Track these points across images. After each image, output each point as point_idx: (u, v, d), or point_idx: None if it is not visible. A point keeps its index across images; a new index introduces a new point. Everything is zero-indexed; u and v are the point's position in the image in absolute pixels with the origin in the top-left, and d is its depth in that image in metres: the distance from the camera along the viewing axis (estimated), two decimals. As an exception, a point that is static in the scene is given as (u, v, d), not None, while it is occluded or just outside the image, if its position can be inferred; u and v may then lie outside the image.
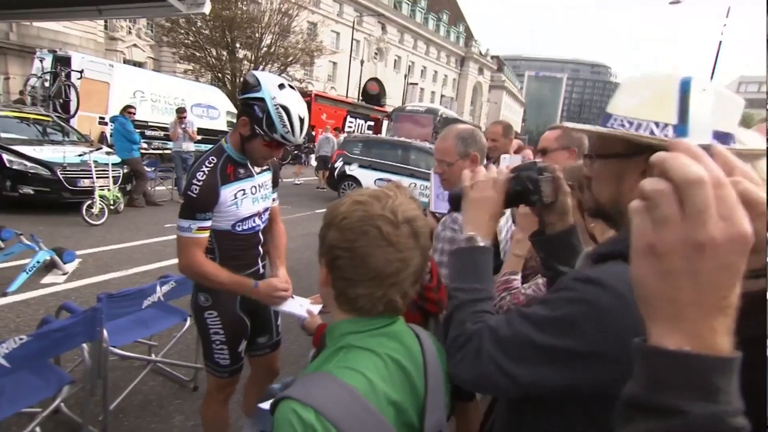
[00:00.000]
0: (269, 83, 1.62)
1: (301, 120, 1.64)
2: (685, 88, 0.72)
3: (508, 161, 2.42)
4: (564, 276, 0.81)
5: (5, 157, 6.48)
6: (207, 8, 2.96)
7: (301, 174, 14.30)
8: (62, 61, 10.61)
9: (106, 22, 23.40)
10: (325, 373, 0.76)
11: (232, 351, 1.83)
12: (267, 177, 1.90)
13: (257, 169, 1.83)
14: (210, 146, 1.90)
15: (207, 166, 1.66)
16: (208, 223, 1.66)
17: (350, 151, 10.56)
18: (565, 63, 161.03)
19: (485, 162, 2.59)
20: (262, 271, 1.96)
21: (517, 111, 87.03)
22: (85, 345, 2.00)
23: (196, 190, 1.61)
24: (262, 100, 1.59)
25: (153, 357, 2.77)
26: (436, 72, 55.34)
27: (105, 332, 2.09)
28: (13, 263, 4.29)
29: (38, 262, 4.17)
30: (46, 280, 4.26)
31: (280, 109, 1.58)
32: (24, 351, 1.74)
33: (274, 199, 2.02)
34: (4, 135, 7.07)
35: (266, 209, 1.91)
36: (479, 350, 0.77)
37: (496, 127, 3.42)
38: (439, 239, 1.72)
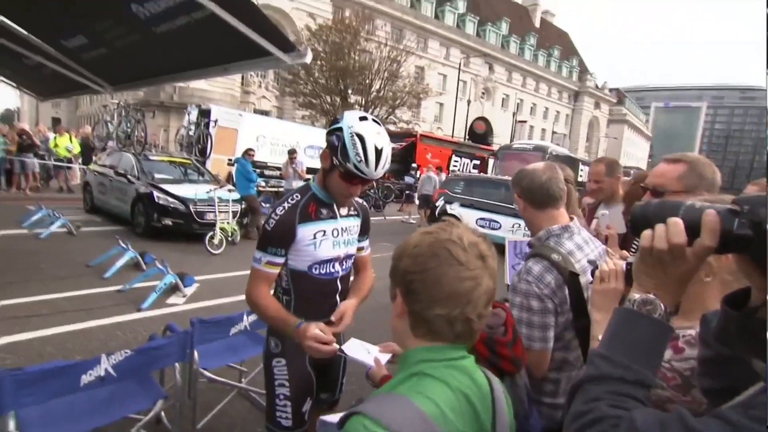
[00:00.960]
0: (351, 115, 1.59)
1: (378, 151, 1.53)
2: None
3: (608, 219, 2.02)
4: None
5: (155, 193, 7.68)
6: (308, 58, 3.21)
7: (408, 212, 14.57)
8: (204, 114, 12.51)
9: (242, 78, 27.16)
10: (399, 395, 0.78)
11: (296, 410, 1.70)
12: (354, 222, 1.80)
13: (343, 212, 1.75)
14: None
15: (289, 203, 1.64)
16: (280, 260, 1.62)
17: (452, 189, 10.47)
18: (704, 90, 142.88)
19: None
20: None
21: (643, 146, 79.48)
22: (177, 365, 2.15)
23: (272, 224, 1.59)
24: (340, 129, 1.54)
25: (241, 383, 2.88)
26: (546, 108, 53.57)
27: (196, 355, 2.23)
28: (148, 283, 4.93)
29: (165, 284, 4.75)
30: (170, 300, 4.80)
31: (355, 138, 1.51)
32: (128, 363, 1.92)
33: (363, 248, 1.91)
34: (157, 175, 8.47)
35: (349, 256, 1.80)
36: None
37: (598, 166, 2.81)
38: (516, 292, 1.52)
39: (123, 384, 2.10)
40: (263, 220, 1.54)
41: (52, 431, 1.85)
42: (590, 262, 1.37)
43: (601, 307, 1.18)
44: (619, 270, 1.18)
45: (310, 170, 11.52)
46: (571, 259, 1.49)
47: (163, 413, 2.44)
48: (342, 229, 1.73)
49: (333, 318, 1.60)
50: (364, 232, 1.88)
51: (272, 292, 1.73)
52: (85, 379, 1.76)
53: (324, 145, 1.64)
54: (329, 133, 1.59)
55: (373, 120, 1.60)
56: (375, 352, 1.49)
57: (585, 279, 1.48)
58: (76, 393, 1.80)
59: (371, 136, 1.52)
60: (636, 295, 0.74)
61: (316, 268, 1.68)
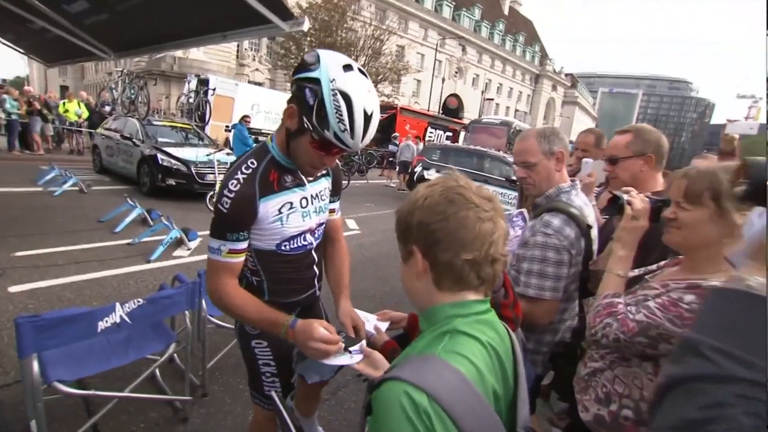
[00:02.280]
0: (331, 61, 1.03)
1: (367, 117, 1.04)
2: None
3: (591, 167, 1.99)
4: None
5: (159, 156, 7.30)
6: (306, 26, 2.98)
7: (389, 177, 14.34)
8: (203, 83, 11.83)
9: (237, 52, 25.66)
10: (434, 356, 0.65)
11: (285, 382, 1.37)
12: (324, 185, 1.33)
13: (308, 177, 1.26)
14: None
15: (244, 173, 1.13)
16: (243, 245, 1.16)
17: (429, 157, 10.36)
18: (641, 79, 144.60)
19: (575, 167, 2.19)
20: (318, 293, 1.45)
21: (589, 125, 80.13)
22: (187, 312, 2.07)
23: (226, 203, 1.09)
24: (316, 81, 1.01)
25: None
26: (511, 89, 52.91)
27: (204, 303, 2.15)
28: (155, 237, 4.75)
29: (171, 238, 4.58)
30: (176, 253, 4.65)
31: (338, 97, 0.99)
32: (141, 311, 1.83)
33: (333, 211, 1.46)
34: (160, 139, 8.03)
35: (321, 224, 1.35)
36: None
37: (588, 136, 2.50)
38: (530, 245, 1.37)
39: (138, 329, 2.01)
40: (217, 200, 1.12)
41: (74, 370, 1.78)
42: (614, 196, 1.22)
43: (627, 243, 1.13)
44: (647, 208, 1.13)
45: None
46: (585, 212, 1.42)
47: (175, 355, 2.38)
48: (311, 196, 1.27)
49: (347, 332, 1.20)
50: (336, 192, 1.43)
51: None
52: (102, 325, 1.67)
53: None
54: (298, 83, 1.05)
55: (360, 70, 1.07)
56: (373, 321, 1.31)
57: (593, 232, 1.43)
58: (95, 337, 1.70)
59: (360, 95, 1.02)
60: (757, 278, 0.51)
61: (285, 245, 1.25)
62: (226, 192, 1.10)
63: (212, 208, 1.17)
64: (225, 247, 1.13)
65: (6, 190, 6.66)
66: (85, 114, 11.89)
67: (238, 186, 1.11)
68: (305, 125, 1.05)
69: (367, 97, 1.04)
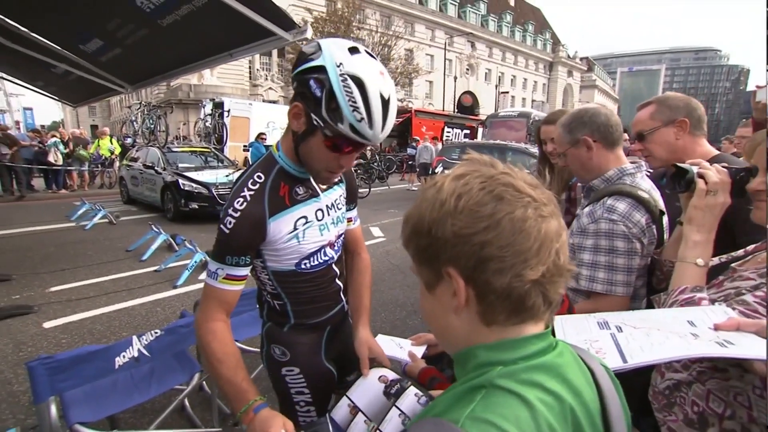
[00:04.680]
0: (334, 45, 0.89)
1: (385, 102, 0.88)
2: None
3: None
4: None
5: (180, 181, 7.44)
6: (309, 33, 2.92)
7: (411, 180, 14.20)
8: (218, 106, 12.09)
9: (249, 73, 26.32)
10: (453, 426, 0.43)
11: (321, 411, 1.22)
12: (339, 192, 1.18)
13: (323, 185, 1.12)
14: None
15: (250, 189, 0.99)
16: (243, 272, 1.01)
17: (449, 156, 10.18)
18: (662, 54, 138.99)
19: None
20: (347, 307, 1.28)
21: (612, 108, 77.57)
22: (209, 338, 1.97)
23: (230, 223, 0.95)
24: (321, 69, 0.86)
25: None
26: (525, 79, 51.98)
27: (226, 327, 2.06)
28: (181, 263, 4.77)
29: (196, 262, 4.57)
30: (202, 276, 4.61)
31: (349, 82, 0.84)
32: (159, 343, 1.74)
33: (351, 220, 1.29)
34: (181, 165, 8.21)
35: (340, 235, 1.21)
36: None
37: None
38: (590, 233, 1.18)
39: (160, 361, 1.93)
40: (220, 220, 0.98)
41: (96, 409, 1.70)
42: (678, 168, 1.01)
43: (703, 225, 0.91)
44: (727, 181, 0.92)
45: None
46: (654, 196, 1.23)
47: (205, 382, 2.29)
48: (327, 207, 1.12)
49: (362, 370, 1.05)
50: (352, 199, 1.27)
51: (258, 297, 1.23)
52: (119, 361, 1.59)
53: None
54: (300, 77, 0.90)
55: (368, 53, 0.92)
56: (407, 346, 1.13)
57: (665, 219, 1.24)
58: (114, 374, 1.62)
59: (373, 78, 0.87)
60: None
61: (305, 263, 1.10)
62: (230, 211, 0.96)
63: None
64: (222, 272, 0.99)
65: (41, 228, 6.92)
66: (118, 150, 12.37)
67: (245, 204, 0.96)
68: (315, 123, 0.90)
69: (381, 80, 0.88)
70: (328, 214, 1.13)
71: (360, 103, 0.85)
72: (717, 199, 0.93)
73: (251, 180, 1.00)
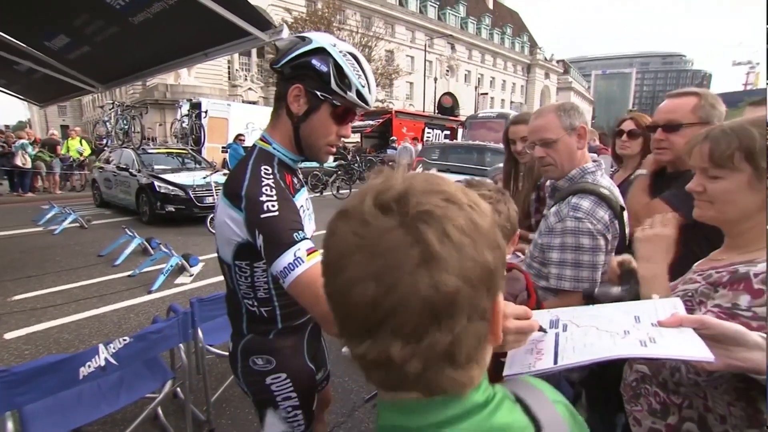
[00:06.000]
0: (317, 33, 1.03)
1: (371, 71, 1.05)
2: None
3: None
4: None
5: (156, 183, 7.22)
6: (285, 33, 2.85)
7: None
8: (195, 106, 11.80)
9: (229, 73, 25.85)
10: None
11: (307, 412, 1.20)
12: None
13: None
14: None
15: (267, 177, 0.99)
16: (312, 243, 0.96)
17: (429, 157, 10.20)
18: (633, 58, 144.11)
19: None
20: None
21: (587, 110, 79.66)
22: (182, 345, 1.91)
23: (273, 206, 0.94)
24: (321, 50, 0.98)
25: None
26: (504, 81, 52.85)
27: (200, 333, 1.99)
28: (156, 267, 4.62)
29: (171, 266, 4.44)
30: (178, 280, 4.51)
31: (349, 57, 0.99)
32: (128, 350, 1.67)
33: None
34: (156, 167, 7.97)
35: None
36: None
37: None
38: (557, 232, 1.20)
39: (129, 369, 1.86)
40: (257, 213, 0.94)
41: (61, 423, 1.62)
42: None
43: (651, 257, 0.91)
44: (669, 217, 0.93)
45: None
46: (614, 193, 1.25)
47: (179, 389, 2.22)
48: (306, 199, 1.17)
49: None
50: None
51: (234, 312, 1.20)
52: (84, 371, 1.51)
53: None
54: (297, 65, 0.98)
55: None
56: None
57: (625, 215, 1.26)
58: (79, 385, 1.55)
59: (357, 53, 1.04)
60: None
61: None
62: (265, 198, 0.94)
63: (264, 224, 0.94)
64: (301, 251, 0.91)
65: (5, 233, 6.60)
66: (87, 151, 11.89)
67: (274, 189, 0.97)
68: (321, 97, 0.99)
69: (361, 55, 1.05)
70: (309, 207, 1.17)
71: (361, 72, 1.00)
72: (656, 231, 0.94)
73: (261, 172, 0.99)
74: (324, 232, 0.42)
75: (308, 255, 0.92)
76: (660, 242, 0.94)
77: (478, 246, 0.36)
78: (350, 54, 1.00)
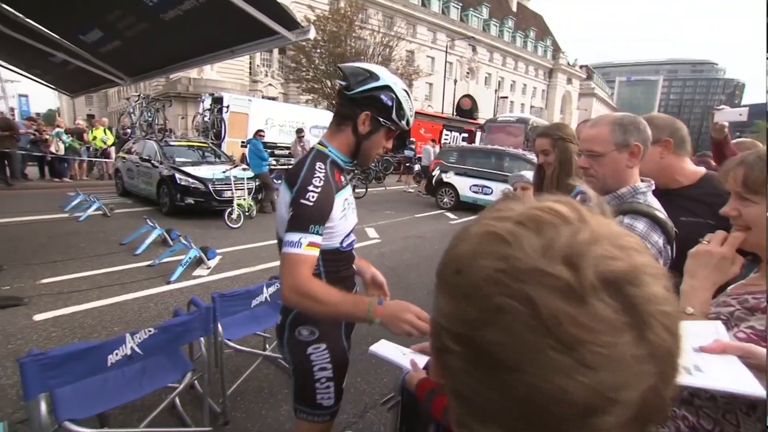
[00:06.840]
0: (384, 72, 1.29)
1: None
2: None
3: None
4: None
5: (177, 175, 7.39)
6: (312, 34, 2.89)
7: (407, 182, 14.32)
8: (217, 101, 12.00)
9: (250, 69, 26.18)
10: None
11: (338, 387, 1.38)
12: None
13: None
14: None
15: (320, 171, 1.23)
16: (320, 239, 1.20)
17: (446, 159, 10.20)
18: (660, 65, 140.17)
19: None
20: (359, 288, 1.54)
21: (609, 116, 78.07)
22: (202, 339, 1.96)
23: (312, 197, 1.17)
24: (388, 88, 1.26)
25: (265, 350, 2.72)
26: (525, 85, 52.13)
27: (220, 328, 2.05)
28: (175, 258, 4.74)
29: (190, 258, 4.54)
30: (196, 272, 4.61)
31: (405, 94, 1.29)
32: (153, 341, 1.74)
33: None
34: (178, 159, 8.15)
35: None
36: None
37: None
38: None
39: (152, 359, 1.92)
40: (300, 196, 1.19)
41: (86, 407, 1.69)
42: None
43: (695, 273, 0.90)
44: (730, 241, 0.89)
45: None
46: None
47: (196, 381, 2.29)
48: (350, 194, 1.42)
49: (378, 293, 1.48)
50: None
51: None
52: (112, 358, 1.58)
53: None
54: (367, 94, 1.25)
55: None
56: (409, 354, 1.13)
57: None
58: (107, 372, 1.61)
59: (408, 90, 1.33)
60: None
61: (345, 241, 1.35)
62: (311, 188, 1.19)
63: (296, 206, 1.19)
64: (305, 240, 1.16)
65: (34, 218, 6.85)
66: (111, 140, 12.24)
67: (322, 182, 1.21)
68: (383, 123, 1.28)
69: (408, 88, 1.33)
70: (353, 200, 1.42)
71: (410, 106, 1.31)
72: (708, 247, 0.92)
73: (316, 167, 1.24)
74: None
75: (308, 246, 1.17)
76: (707, 259, 0.92)
77: None
78: (405, 92, 1.29)
